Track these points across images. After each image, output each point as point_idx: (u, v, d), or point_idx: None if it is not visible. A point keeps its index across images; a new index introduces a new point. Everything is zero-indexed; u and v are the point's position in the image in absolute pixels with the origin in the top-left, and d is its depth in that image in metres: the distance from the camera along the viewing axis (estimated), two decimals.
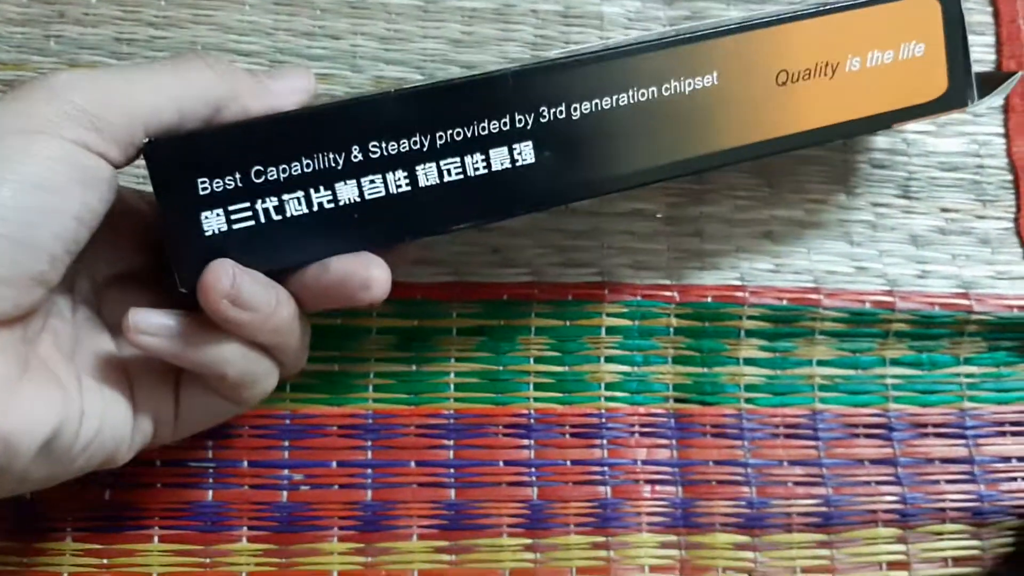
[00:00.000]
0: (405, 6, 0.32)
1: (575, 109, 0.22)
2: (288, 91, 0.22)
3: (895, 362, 0.31)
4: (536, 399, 0.30)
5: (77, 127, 0.19)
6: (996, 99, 0.32)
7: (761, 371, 0.31)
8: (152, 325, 0.21)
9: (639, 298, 0.30)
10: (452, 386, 0.30)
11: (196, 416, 0.23)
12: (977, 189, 0.33)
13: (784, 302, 0.31)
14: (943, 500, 0.30)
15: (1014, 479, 0.31)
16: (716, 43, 0.23)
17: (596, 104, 0.23)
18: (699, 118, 0.23)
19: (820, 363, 0.31)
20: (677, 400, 0.30)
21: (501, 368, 0.30)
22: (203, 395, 0.23)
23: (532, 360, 0.30)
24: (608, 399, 0.30)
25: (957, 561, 0.30)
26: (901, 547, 0.30)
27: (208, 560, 0.28)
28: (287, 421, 0.29)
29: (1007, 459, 0.31)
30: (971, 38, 0.34)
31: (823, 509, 0.30)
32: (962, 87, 0.26)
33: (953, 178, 0.33)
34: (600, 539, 0.29)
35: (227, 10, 0.31)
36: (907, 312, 0.31)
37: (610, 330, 0.30)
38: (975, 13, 0.35)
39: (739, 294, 0.31)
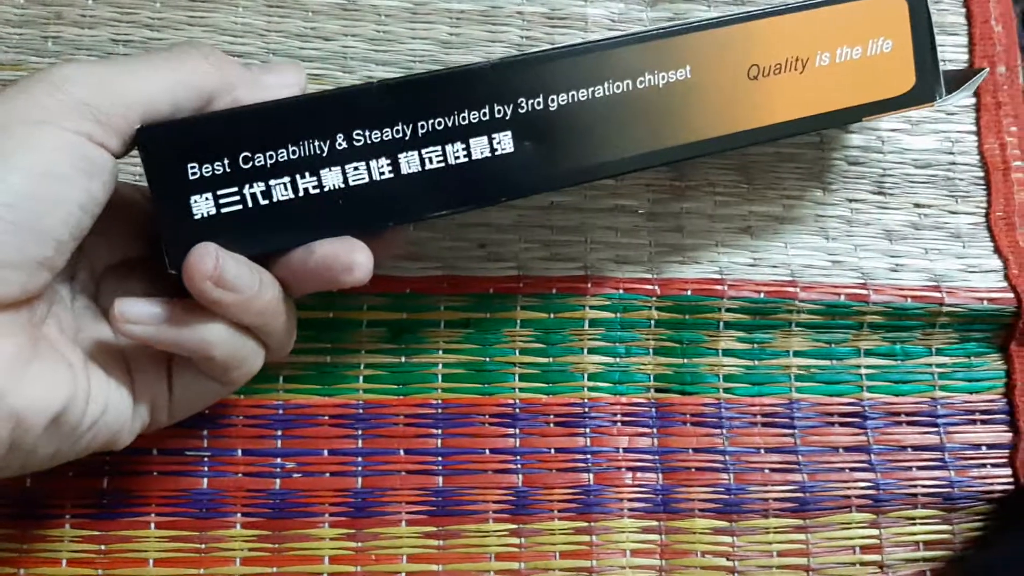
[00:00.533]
0: (395, 8, 0.33)
1: (552, 100, 0.23)
2: (280, 85, 0.23)
3: (869, 353, 0.32)
4: (521, 389, 0.31)
5: (79, 119, 0.20)
6: (964, 95, 0.33)
7: (739, 362, 0.32)
8: (139, 314, 0.21)
9: (621, 291, 0.31)
10: (440, 377, 0.30)
11: (189, 399, 0.24)
12: (949, 185, 0.34)
13: (762, 295, 0.32)
14: (915, 486, 0.31)
15: (983, 465, 0.32)
16: (689, 38, 0.24)
17: (573, 96, 0.23)
18: (673, 110, 0.24)
19: (796, 354, 0.32)
20: (658, 390, 0.31)
21: (487, 359, 0.31)
22: (194, 378, 0.24)
23: (517, 351, 0.31)
24: (591, 389, 0.31)
25: (928, 545, 0.31)
26: (874, 531, 0.31)
27: (203, 546, 0.28)
28: (280, 411, 0.30)
29: (977, 446, 0.32)
30: (944, 38, 0.36)
31: (799, 495, 0.31)
32: (930, 83, 0.27)
33: (926, 175, 0.34)
34: (583, 524, 0.30)
35: (221, 12, 0.32)
36: (881, 304, 0.32)
37: (593, 322, 0.31)
38: (948, 14, 0.36)
39: (718, 287, 0.32)
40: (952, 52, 0.36)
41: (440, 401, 0.30)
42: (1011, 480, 0.32)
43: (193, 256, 0.21)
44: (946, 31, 0.36)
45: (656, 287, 0.31)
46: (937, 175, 0.34)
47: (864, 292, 0.32)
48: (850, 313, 0.32)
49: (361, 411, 0.30)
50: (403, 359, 0.30)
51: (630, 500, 0.30)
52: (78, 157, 0.20)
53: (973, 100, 0.35)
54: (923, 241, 0.33)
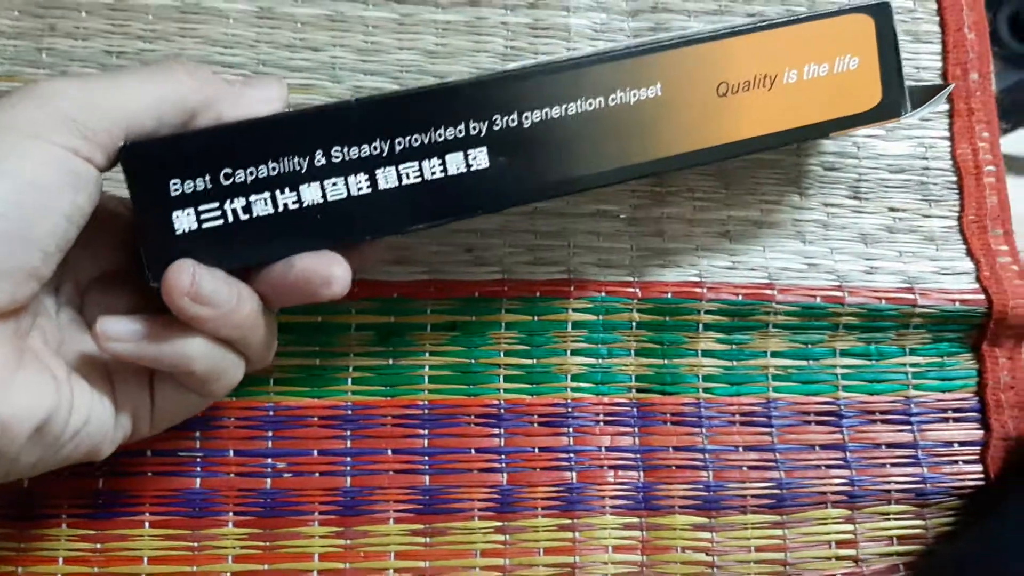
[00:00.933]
0: (382, 19, 0.34)
1: (526, 117, 0.24)
2: (262, 100, 0.24)
3: (844, 353, 0.33)
4: (506, 390, 0.32)
5: (67, 134, 0.21)
6: (929, 109, 0.34)
7: (718, 362, 0.33)
8: (120, 331, 0.22)
9: (603, 294, 0.32)
10: (426, 378, 0.31)
11: (170, 410, 0.25)
12: (923, 190, 0.35)
13: (740, 297, 0.32)
14: (889, 482, 0.32)
15: (956, 462, 0.33)
16: (659, 56, 0.25)
17: (546, 113, 0.24)
18: (644, 126, 0.25)
19: (774, 354, 0.33)
20: (639, 390, 0.32)
21: (473, 361, 0.32)
22: (175, 390, 0.24)
23: (502, 353, 0.32)
24: (574, 390, 0.32)
25: (902, 539, 0.32)
26: (849, 527, 0.32)
27: (196, 544, 0.29)
28: (271, 412, 0.30)
29: (949, 443, 0.33)
30: (918, 46, 0.37)
31: (776, 491, 0.32)
32: (896, 98, 0.27)
33: (901, 179, 0.35)
34: (566, 521, 0.31)
35: (212, 24, 0.33)
36: (855, 306, 0.33)
37: (576, 324, 0.32)
38: (923, 22, 0.37)
39: (698, 290, 0.32)
40: (927, 60, 0.36)
41: (427, 402, 0.31)
42: (982, 476, 0.33)
43: (170, 273, 0.22)
44: (920, 39, 0.37)
45: (637, 290, 0.32)
46: (911, 180, 0.35)
47: (839, 294, 0.33)
48: (826, 315, 0.33)
49: (350, 412, 0.31)
50: (391, 361, 0.31)
51: (612, 497, 0.31)
52: (64, 171, 0.21)
53: (946, 106, 0.36)
54: (897, 244, 0.34)
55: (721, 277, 0.33)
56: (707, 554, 0.31)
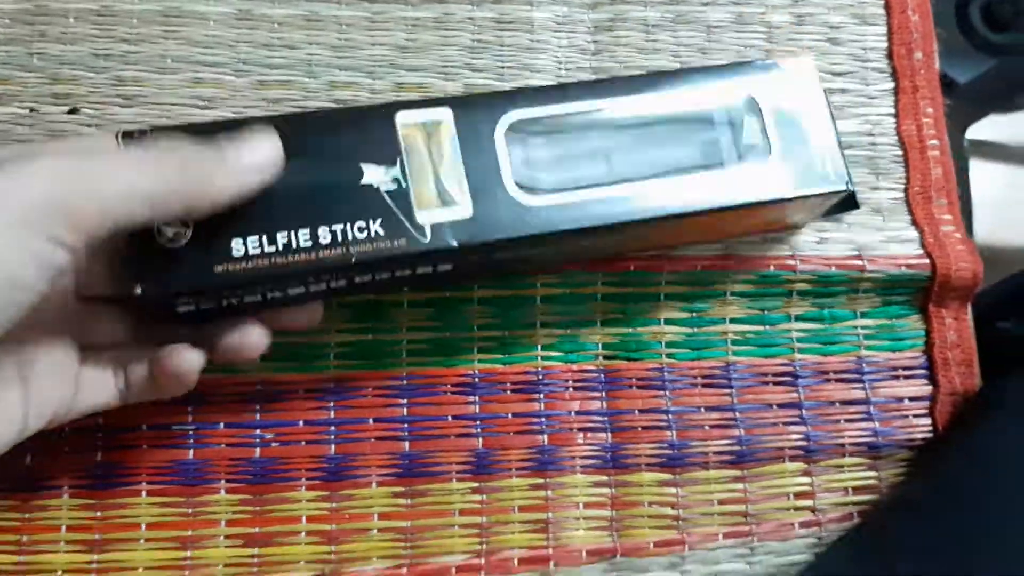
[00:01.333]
0: (355, 18, 0.36)
1: (496, 256, 0.28)
2: (254, 170, 0.24)
3: (799, 317, 0.35)
4: (480, 360, 0.33)
5: (52, 224, 0.20)
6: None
7: (680, 329, 0.35)
8: (196, 364, 0.26)
9: (570, 269, 0.34)
10: (405, 352, 0.33)
11: (94, 406, 0.27)
12: (871, 164, 0.37)
13: (699, 268, 0.34)
14: (843, 437, 0.34)
15: (906, 416, 0.35)
16: (626, 226, 0.28)
17: (515, 256, 0.28)
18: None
19: (732, 320, 0.35)
20: (606, 357, 0.34)
21: (449, 335, 0.33)
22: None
23: (476, 327, 0.34)
24: (544, 358, 0.34)
25: (856, 490, 0.34)
26: (806, 479, 0.34)
27: (191, 510, 0.31)
28: (258, 387, 0.32)
29: (900, 399, 0.35)
30: (864, 28, 0.39)
31: (736, 448, 0.34)
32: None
33: (850, 154, 0.37)
34: (539, 481, 0.33)
35: (193, 26, 0.35)
36: (808, 273, 0.35)
37: (545, 299, 0.34)
38: (868, 5, 0.39)
39: (660, 263, 0.34)
40: (873, 40, 0.39)
41: (406, 374, 0.33)
42: (931, 429, 0.35)
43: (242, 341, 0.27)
44: (867, 21, 0.39)
45: (602, 265, 0.34)
46: (859, 155, 0.37)
47: (792, 263, 0.35)
48: (780, 282, 0.35)
49: (333, 385, 0.32)
50: (371, 337, 0.33)
51: (582, 458, 0.33)
52: (44, 265, 0.20)
53: (892, 84, 0.38)
54: (847, 216, 0.36)
55: (681, 250, 0.35)
56: (672, 508, 0.33)
